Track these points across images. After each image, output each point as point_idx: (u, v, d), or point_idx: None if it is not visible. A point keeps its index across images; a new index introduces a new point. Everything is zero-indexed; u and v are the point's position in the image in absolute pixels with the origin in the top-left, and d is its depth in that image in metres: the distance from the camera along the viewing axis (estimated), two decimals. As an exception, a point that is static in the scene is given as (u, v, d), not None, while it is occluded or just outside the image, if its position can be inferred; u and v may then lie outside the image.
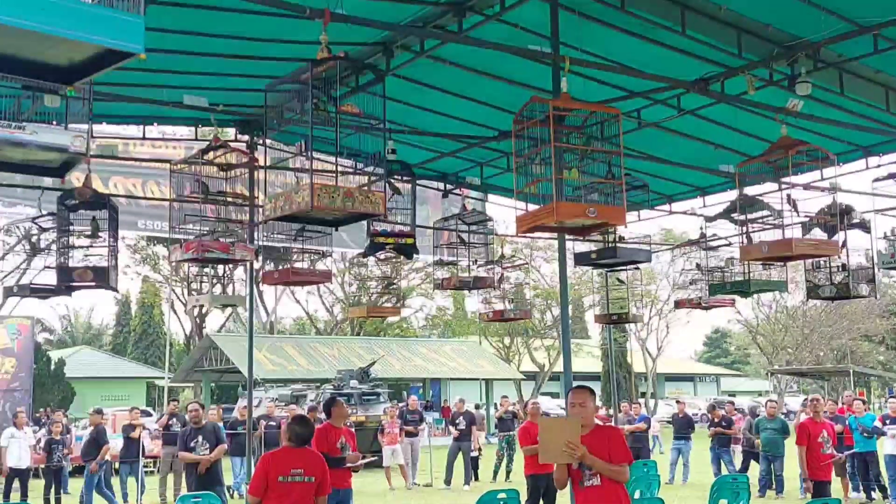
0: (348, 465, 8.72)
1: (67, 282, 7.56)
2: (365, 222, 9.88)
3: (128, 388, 43.87)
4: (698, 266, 11.15)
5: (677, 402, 20.74)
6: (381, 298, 11.12)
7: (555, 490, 11.56)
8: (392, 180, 9.51)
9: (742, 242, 8.24)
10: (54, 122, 5.21)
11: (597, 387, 53.96)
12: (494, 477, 19.25)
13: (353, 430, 9.59)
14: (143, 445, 18.17)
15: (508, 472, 19.40)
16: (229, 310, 48.06)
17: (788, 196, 7.94)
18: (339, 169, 6.14)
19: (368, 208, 5.78)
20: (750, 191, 8.57)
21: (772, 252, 7.49)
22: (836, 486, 15.34)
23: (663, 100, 8.96)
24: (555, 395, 48.67)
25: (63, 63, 2.83)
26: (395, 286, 11.29)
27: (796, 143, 7.43)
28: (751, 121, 9.16)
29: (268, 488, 6.21)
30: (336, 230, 7.25)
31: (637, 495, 10.50)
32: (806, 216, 8.71)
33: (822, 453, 9.82)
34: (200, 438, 11.14)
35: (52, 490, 16.18)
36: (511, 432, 19.62)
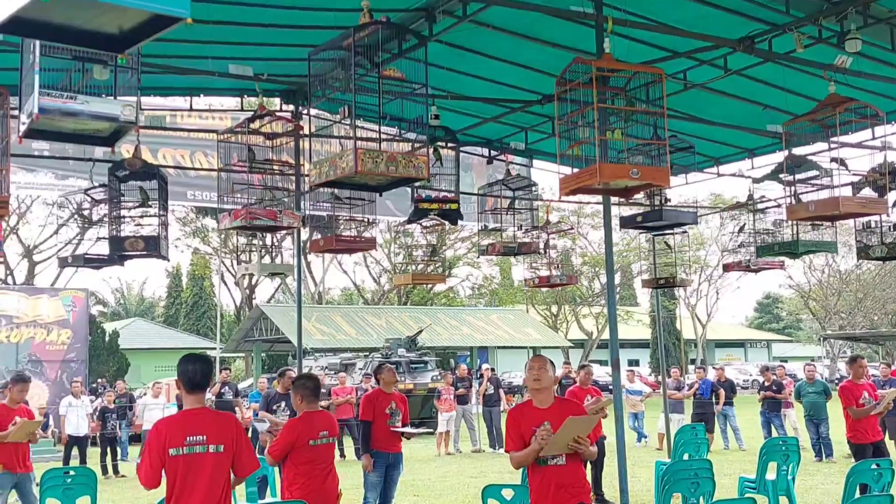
0: (403, 432, 9.03)
1: (119, 251, 7.72)
2: (409, 189, 9.94)
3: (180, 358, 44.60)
4: (741, 229, 11.03)
5: (714, 368, 20.61)
6: (427, 267, 11.18)
7: (603, 454, 11.63)
8: (435, 147, 9.53)
9: (790, 203, 8.14)
10: (104, 95, 5.32)
11: (645, 354, 53.85)
12: None
13: (405, 395, 9.86)
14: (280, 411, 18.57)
15: None
16: (278, 281, 48.67)
17: (836, 157, 7.81)
18: (383, 136, 6.20)
19: (412, 173, 5.83)
20: (798, 151, 8.43)
21: (819, 211, 7.40)
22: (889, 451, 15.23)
23: (709, 60, 8.84)
24: (603, 363, 48.59)
25: (113, 31, 2.88)
26: (439, 254, 11.33)
27: (844, 101, 7.30)
28: (799, 80, 9.01)
29: (295, 453, 6.36)
30: (380, 195, 7.32)
31: (686, 458, 10.52)
32: (856, 175, 8.58)
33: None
34: (283, 404, 11.46)
35: (108, 457, 16.62)
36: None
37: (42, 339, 23.44)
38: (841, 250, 34.19)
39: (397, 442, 9.06)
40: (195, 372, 4.96)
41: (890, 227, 9.22)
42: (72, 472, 9.03)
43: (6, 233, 36.23)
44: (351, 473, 16.10)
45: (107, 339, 36.96)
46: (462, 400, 19.69)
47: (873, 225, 9.39)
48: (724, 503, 5.63)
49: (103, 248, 8.06)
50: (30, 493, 8.80)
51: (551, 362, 5.54)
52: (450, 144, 10.35)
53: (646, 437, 20.02)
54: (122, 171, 7.80)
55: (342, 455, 18.68)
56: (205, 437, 4.81)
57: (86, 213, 8.44)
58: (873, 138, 9.30)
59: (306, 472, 6.45)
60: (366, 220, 9.44)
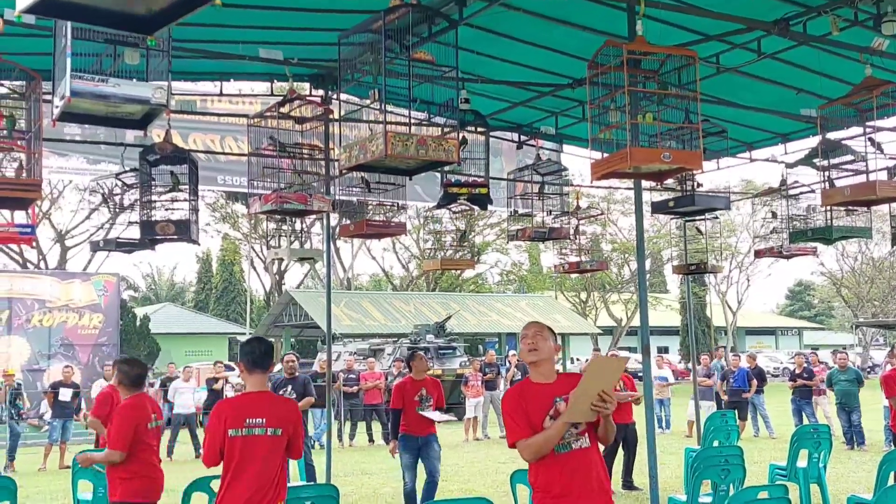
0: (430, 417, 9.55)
1: (150, 235, 7.78)
2: (438, 175, 9.92)
3: (210, 343, 45.09)
4: (773, 215, 10.92)
5: (746, 355, 20.53)
6: (456, 253, 11.17)
7: (635, 441, 11.59)
8: (465, 131, 9.50)
9: (824, 188, 8.03)
10: (135, 80, 5.35)
11: (675, 341, 53.60)
12: None
13: (437, 379, 10.42)
14: (225, 398, 18.73)
15: None
16: (307, 266, 48.89)
17: (872, 139, 7.68)
18: (412, 120, 6.18)
19: (441, 156, 5.81)
20: (833, 135, 8.31)
21: (854, 195, 7.28)
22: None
23: (742, 44, 8.72)
24: (632, 350, 48.43)
25: (142, 12, 2.88)
26: (468, 239, 11.31)
27: (881, 84, 7.18)
28: (834, 63, 8.88)
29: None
30: (410, 180, 7.30)
31: (716, 444, 10.47)
32: (892, 159, 8.44)
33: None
34: (289, 388, 11.59)
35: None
36: None
37: (74, 324, 23.75)
38: (875, 237, 33.77)
39: (428, 426, 9.59)
40: (253, 351, 5.11)
41: (926, 212, 9.09)
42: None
43: (39, 217, 36.63)
44: (381, 457, 16.17)
45: (138, 323, 37.36)
46: (490, 386, 19.75)
47: (909, 211, 9.26)
48: (755, 490, 5.58)
49: (134, 233, 8.12)
50: None
51: (550, 329, 4.57)
52: (479, 129, 10.30)
53: (667, 428, 19.94)
54: (152, 156, 7.85)
55: (370, 440, 18.80)
56: (264, 420, 4.95)
57: (117, 197, 8.50)
58: (910, 122, 9.15)
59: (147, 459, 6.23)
60: (395, 204, 9.44)
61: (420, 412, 9.49)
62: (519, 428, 4.28)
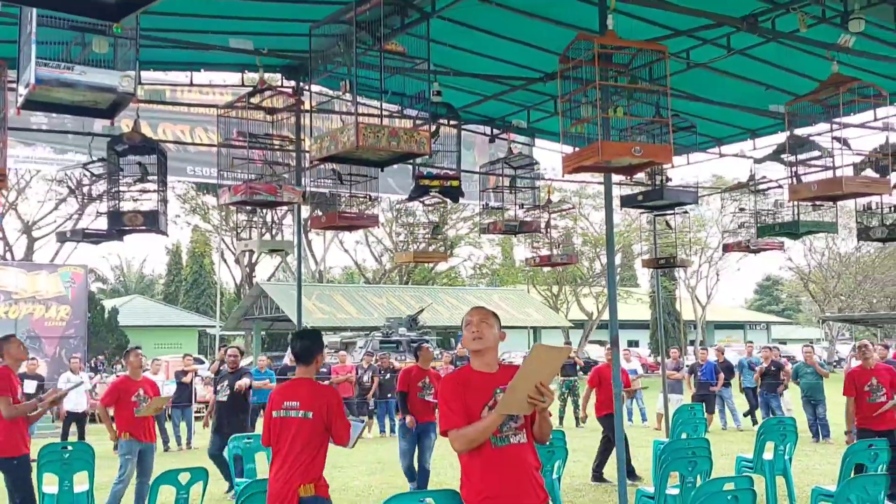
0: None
1: (118, 226, 7.70)
2: (411, 167, 9.90)
3: (180, 336, 44.80)
4: (742, 210, 11.01)
5: (714, 349, 20.79)
6: (429, 245, 11.17)
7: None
8: (437, 123, 9.49)
9: (792, 183, 8.11)
10: (102, 68, 5.28)
11: (645, 335, 53.96)
12: (561, 421, 19.52)
13: (439, 373, 11.42)
14: (195, 391, 18.64)
15: (577, 418, 19.74)
16: (278, 259, 48.69)
17: (838, 137, 7.77)
18: (384, 112, 6.17)
19: (413, 148, 5.80)
20: (801, 131, 8.39)
21: (821, 191, 7.36)
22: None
23: (712, 39, 8.78)
24: (603, 343, 48.71)
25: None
26: (441, 232, 11.32)
27: (847, 80, 7.25)
28: (802, 60, 8.97)
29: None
30: (381, 171, 7.29)
31: (683, 437, 10.55)
32: (858, 155, 8.54)
33: (870, 402, 9.45)
34: (226, 383, 11.47)
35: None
36: (572, 377, 20.00)
37: (41, 315, 23.51)
38: (841, 233, 34.17)
39: (427, 413, 10.46)
40: (294, 346, 5.73)
41: (890, 208, 9.20)
42: (69, 448, 9.06)
43: (5, 208, 36.20)
44: (351, 451, 16.14)
45: (106, 315, 37.05)
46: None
47: (874, 206, 9.37)
48: (721, 481, 5.63)
49: (102, 224, 8.04)
50: (149, 463, 9.42)
51: (495, 315, 4.35)
52: (451, 122, 10.29)
53: (644, 421, 20.16)
54: (120, 146, 7.77)
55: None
56: (298, 404, 5.48)
57: (85, 188, 8.41)
58: (875, 119, 9.27)
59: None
60: (367, 196, 9.42)
61: (419, 397, 10.38)
62: (454, 416, 4.08)
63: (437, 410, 10.16)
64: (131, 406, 9.35)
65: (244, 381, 11.44)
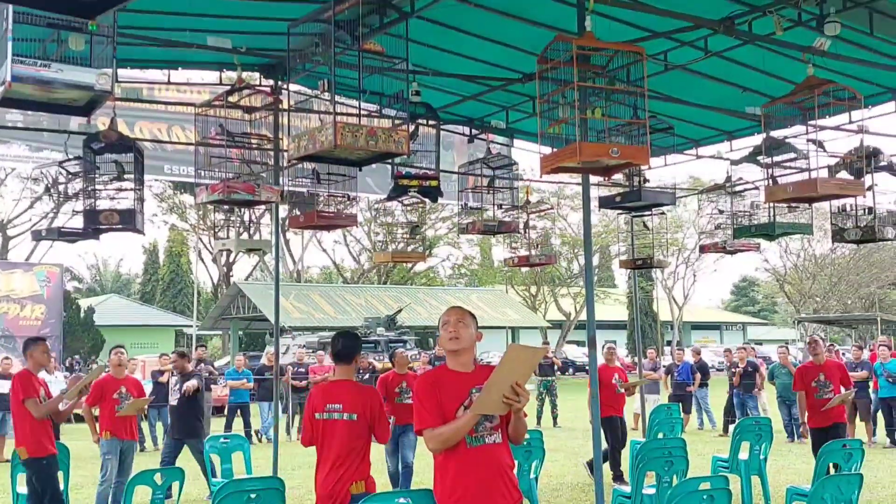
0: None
1: (94, 225, 7.64)
2: (389, 167, 9.90)
3: (156, 335, 44.54)
4: (721, 212, 11.09)
5: (691, 349, 20.91)
6: (407, 246, 11.17)
7: (625, 433, 11.60)
8: (416, 123, 9.50)
9: (768, 185, 8.17)
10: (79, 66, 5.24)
11: (622, 335, 54.15)
12: (538, 421, 19.58)
13: (417, 373, 11.65)
14: (171, 390, 18.49)
15: (555, 418, 19.84)
16: (256, 258, 48.50)
17: (813, 139, 7.84)
18: (363, 112, 6.16)
19: (392, 147, 5.80)
20: (777, 133, 8.45)
21: (797, 192, 7.42)
22: (859, 432, 15.46)
23: (690, 41, 8.84)
24: (580, 344, 48.85)
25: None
26: (420, 232, 11.31)
27: (823, 83, 7.32)
28: (778, 62, 9.04)
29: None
30: (360, 170, 7.28)
31: (660, 437, 10.60)
32: (833, 158, 8.62)
33: (817, 398, 9.45)
34: (176, 387, 11.24)
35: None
36: (550, 377, 20.09)
37: (15, 314, 23.32)
38: (816, 234, 34.45)
39: (408, 416, 10.06)
40: (335, 346, 5.69)
41: (865, 210, 9.29)
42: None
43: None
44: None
45: (82, 315, 36.75)
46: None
47: (848, 208, 9.45)
48: (697, 481, 5.67)
49: (78, 222, 7.98)
50: (129, 462, 9.36)
51: (472, 315, 4.33)
52: (430, 122, 10.30)
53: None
54: (97, 144, 7.71)
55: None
56: (341, 406, 5.49)
57: (60, 186, 8.34)
58: (850, 122, 9.35)
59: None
60: (346, 196, 9.40)
61: (397, 402, 10.50)
62: (429, 416, 4.06)
63: None
64: (113, 404, 9.27)
65: (191, 384, 11.22)
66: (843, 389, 9.69)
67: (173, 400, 11.29)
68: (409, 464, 10.66)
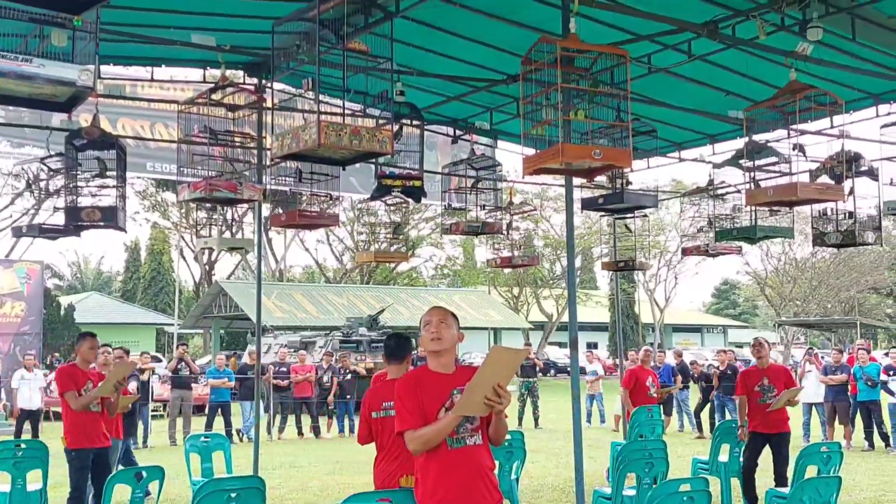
0: None
1: (76, 222, 7.60)
2: (373, 167, 9.89)
3: (138, 333, 44.26)
4: (709, 220, 11.12)
5: (672, 352, 21.04)
6: (390, 246, 11.16)
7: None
8: (400, 123, 9.50)
9: (749, 188, 8.22)
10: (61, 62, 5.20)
11: (604, 336, 54.34)
12: (520, 422, 19.61)
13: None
14: (151, 389, 18.44)
15: (537, 419, 19.89)
16: (238, 257, 48.33)
17: (796, 143, 7.90)
18: (347, 111, 6.16)
19: (376, 147, 5.80)
20: (759, 137, 8.50)
21: (777, 196, 7.47)
22: (838, 434, 15.57)
23: (673, 45, 8.89)
24: (562, 345, 48.93)
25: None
26: (403, 233, 11.30)
27: (804, 88, 7.37)
28: (761, 67, 9.10)
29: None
30: (343, 170, 7.27)
31: (641, 438, 10.63)
32: (814, 162, 8.68)
33: (760, 403, 9.19)
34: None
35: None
36: (531, 378, 20.12)
37: (-5, 311, 23.11)
38: (797, 238, 34.68)
39: None
40: (389, 346, 5.75)
41: (845, 214, 9.35)
42: (23, 446, 8.92)
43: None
44: (310, 450, 16.14)
45: (62, 312, 36.49)
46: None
47: (829, 213, 9.51)
48: (677, 483, 5.69)
49: (60, 219, 7.93)
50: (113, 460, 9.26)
51: (454, 315, 4.34)
52: (414, 122, 10.30)
53: (602, 423, 20.36)
54: (79, 140, 7.67)
55: (300, 433, 18.68)
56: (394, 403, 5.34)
57: (42, 182, 8.29)
58: (832, 126, 9.42)
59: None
60: (329, 195, 9.39)
61: None
62: (410, 417, 4.04)
63: None
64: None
65: (130, 386, 11.00)
66: None
67: None
68: None
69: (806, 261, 48.56)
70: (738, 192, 10.55)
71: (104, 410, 8.15)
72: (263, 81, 9.68)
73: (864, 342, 19.96)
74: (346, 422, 19.26)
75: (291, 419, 19.25)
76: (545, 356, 43.49)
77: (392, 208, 10.93)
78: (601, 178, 10.49)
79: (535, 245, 40.57)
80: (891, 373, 15.24)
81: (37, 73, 4.70)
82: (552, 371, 44.94)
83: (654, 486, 7.35)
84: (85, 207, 7.55)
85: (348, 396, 19.66)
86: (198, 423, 18.10)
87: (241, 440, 17.57)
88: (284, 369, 19.78)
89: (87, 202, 7.70)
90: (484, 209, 11.24)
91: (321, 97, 6.04)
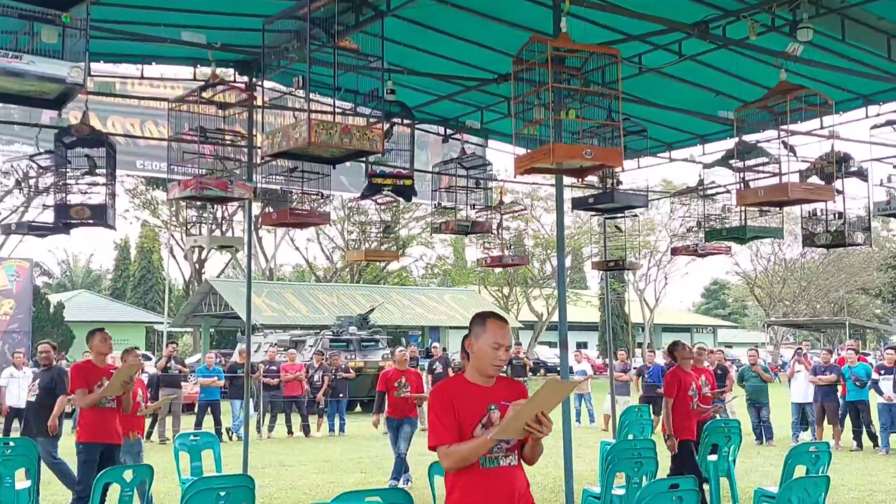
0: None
1: (65, 219, 7.57)
2: (363, 165, 9.88)
3: (127, 332, 44.07)
4: (699, 220, 11.15)
5: (662, 352, 21.04)
6: (381, 244, 11.15)
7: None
8: (391, 122, 9.49)
9: (739, 189, 8.24)
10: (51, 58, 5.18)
11: (594, 336, 54.42)
12: None
13: (418, 371, 13.36)
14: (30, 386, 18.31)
15: None
16: (228, 256, 48.23)
17: (785, 142, 7.92)
18: (338, 110, 6.15)
19: (366, 146, 5.79)
20: (749, 138, 8.53)
21: (768, 196, 7.49)
22: (826, 434, 15.64)
23: (664, 45, 8.90)
24: (552, 345, 48.98)
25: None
26: (393, 231, 11.30)
27: (795, 88, 7.39)
28: (751, 67, 9.12)
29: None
30: (334, 168, 7.26)
31: (630, 438, 10.65)
32: (804, 162, 8.71)
33: (691, 408, 9.00)
34: (36, 382, 10.73)
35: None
36: (521, 378, 20.10)
37: (-17, 309, 23.03)
38: (787, 238, 34.79)
39: (406, 410, 11.77)
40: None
41: (835, 215, 9.38)
42: (11, 444, 8.87)
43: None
44: (299, 450, 16.13)
45: (51, 310, 36.34)
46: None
47: (819, 213, 9.55)
48: (667, 482, 5.71)
49: (49, 217, 7.91)
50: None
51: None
52: (405, 121, 10.29)
53: (591, 422, 20.38)
54: (68, 138, 7.64)
55: (289, 432, 18.66)
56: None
57: (31, 180, 8.26)
58: (821, 127, 9.45)
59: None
60: (319, 194, 9.37)
61: (400, 396, 11.62)
62: (445, 431, 3.82)
63: (418, 408, 11.86)
64: (135, 406, 9.12)
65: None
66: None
67: (31, 396, 10.67)
68: (401, 454, 11.57)
69: (795, 261, 48.76)
70: (728, 192, 10.59)
71: (119, 407, 8.29)
72: (254, 79, 9.66)
73: (854, 342, 20.04)
74: (337, 421, 19.24)
75: (281, 418, 19.22)
76: (535, 356, 43.54)
77: (382, 207, 10.92)
78: (592, 178, 10.50)
79: (526, 244, 40.62)
80: (882, 372, 15.30)
81: (26, 69, 4.69)
82: (542, 370, 44.99)
83: (643, 485, 7.36)
84: (74, 205, 7.53)
85: (341, 395, 19.65)
86: (187, 422, 18.06)
87: (230, 439, 17.54)
88: (274, 368, 19.75)
89: (77, 200, 7.67)
90: (474, 208, 11.25)
91: (312, 95, 6.03)
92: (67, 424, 15.67)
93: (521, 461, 3.99)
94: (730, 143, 10.17)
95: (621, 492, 7.79)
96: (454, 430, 3.81)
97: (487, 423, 3.83)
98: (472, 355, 3.97)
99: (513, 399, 3.82)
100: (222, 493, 5.51)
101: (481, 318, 4.00)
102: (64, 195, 7.65)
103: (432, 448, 3.89)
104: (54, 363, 10.85)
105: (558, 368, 8.99)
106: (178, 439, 9.81)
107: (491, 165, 11.52)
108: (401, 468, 11.66)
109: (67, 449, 9.31)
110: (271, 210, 9.40)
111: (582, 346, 52.02)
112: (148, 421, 16.37)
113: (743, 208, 9.64)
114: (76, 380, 8.10)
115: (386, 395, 11.97)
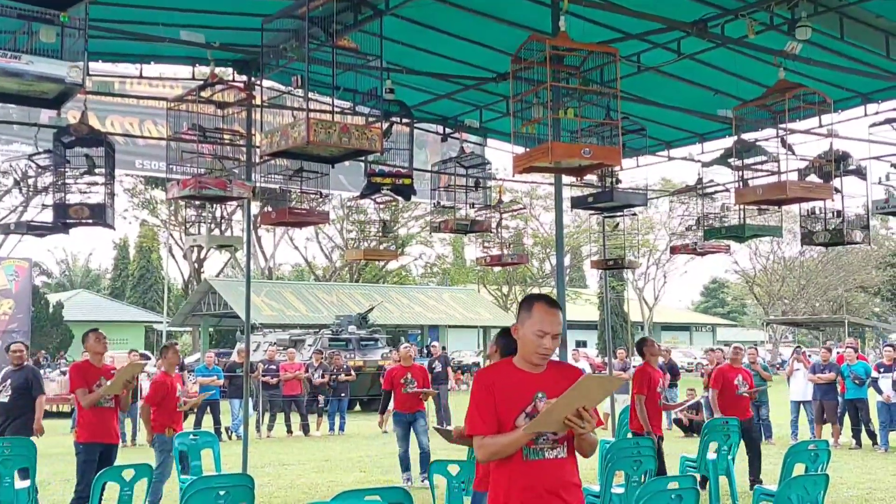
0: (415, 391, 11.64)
1: (64, 219, 7.58)
2: (362, 164, 9.88)
3: (126, 331, 44.14)
4: (698, 218, 11.15)
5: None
6: (380, 244, 11.15)
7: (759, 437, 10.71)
8: (390, 121, 9.49)
9: (738, 187, 8.24)
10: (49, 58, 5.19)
11: (593, 335, 54.39)
12: None
13: (423, 366, 13.06)
14: (140, 387, 18.37)
15: None
16: (227, 255, 48.24)
17: (783, 140, 7.92)
18: (336, 109, 6.15)
19: (365, 145, 5.79)
20: (748, 136, 8.53)
21: (766, 195, 7.50)
22: (825, 433, 15.65)
23: (663, 43, 8.90)
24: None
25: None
26: (392, 230, 11.30)
27: (793, 87, 7.40)
28: (750, 66, 9.12)
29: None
30: (333, 167, 7.27)
31: (629, 436, 10.65)
32: (802, 161, 8.71)
33: (658, 405, 9.22)
34: (9, 382, 10.57)
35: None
36: None
37: (-17, 309, 23.03)
38: (786, 237, 34.82)
39: (414, 405, 11.64)
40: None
41: (833, 213, 9.39)
42: (9, 444, 8.86)
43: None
44: (299, 449, 16.12)
45: (51, 310, 36.40)
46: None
47: (817, 211, 9.55)
48: (665, 481, 5.71)
49: (48, 216, 7.91)
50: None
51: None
52: (404, 120, 10.29)
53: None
54: (67, 137, 7.64)
55: (289, 431, 18.66)
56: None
57: (30, 179, 8.26)
58: (820, 125, 9.45)
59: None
60: (318, 193, 9.37)
61: (407, 392, 11.51)
62: (482, 421, 3.60)
63: (425, 402, 11.84)
64: (175, 401, 9.19)
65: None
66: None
67: (4, 397, 10.57)
68: (425, 448, 11.46)
69: (794, 259, 48.80)
70: (727, 190, 10.59)
71: (118, 407, 8.34)
72: (253, 79, 9.66)
73: (853, 341, 20.08)
74: (337, 420, 19.24)
75: (280, 417, 19.22)
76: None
77: (381, 206, 10.93)
78: (591, 177, 10.50)
79: (525, 243, 40.62)
80: (881, 370, 15.31)
81: (25, 69, 4.69)
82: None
83: (642, 483, 7.37)
84: (73, 205, 7.53)
85: (343, 395, 19.65)
86: (187, 422, 18.03)
87: (229, 438, 17.54)
88: (273, 367, 19.75)
89: (76, 199, 7.68)
90: (473, 207, 11.25)
91: (310, 94, 6.04)
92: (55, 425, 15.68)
93: (575, 454, 3.73)
94: (728, 142, 10.17)
95: (620, 490, 7.79)
96: (491, 421, 3.59)
97: (532, 413, 3.59)
98: (518, 341, 3.73)
99: (565, 387, 3.47)
100: (222, 493, 5.51)
101: (528, 301, 3.73)
102: (63, 195, 7.66)
103: (469, 436, 3.70)
104: (26, 363, 10.78)
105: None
106: (177, 438, 9.82)
107: (490, 164, 11.52)
108: (427, 461, 11.20)
109: (66, 449, 9.31)
110: (270, 209, 9.40)
111: (581, 344, 51.96)
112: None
113: (742, 207, 9.65)
114: (76, 380, 8.14)
115: (392, 394, 11.89)
